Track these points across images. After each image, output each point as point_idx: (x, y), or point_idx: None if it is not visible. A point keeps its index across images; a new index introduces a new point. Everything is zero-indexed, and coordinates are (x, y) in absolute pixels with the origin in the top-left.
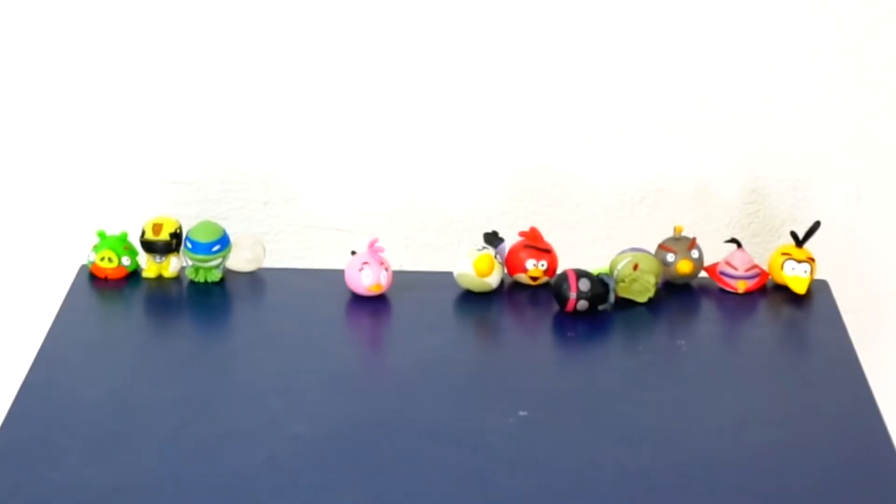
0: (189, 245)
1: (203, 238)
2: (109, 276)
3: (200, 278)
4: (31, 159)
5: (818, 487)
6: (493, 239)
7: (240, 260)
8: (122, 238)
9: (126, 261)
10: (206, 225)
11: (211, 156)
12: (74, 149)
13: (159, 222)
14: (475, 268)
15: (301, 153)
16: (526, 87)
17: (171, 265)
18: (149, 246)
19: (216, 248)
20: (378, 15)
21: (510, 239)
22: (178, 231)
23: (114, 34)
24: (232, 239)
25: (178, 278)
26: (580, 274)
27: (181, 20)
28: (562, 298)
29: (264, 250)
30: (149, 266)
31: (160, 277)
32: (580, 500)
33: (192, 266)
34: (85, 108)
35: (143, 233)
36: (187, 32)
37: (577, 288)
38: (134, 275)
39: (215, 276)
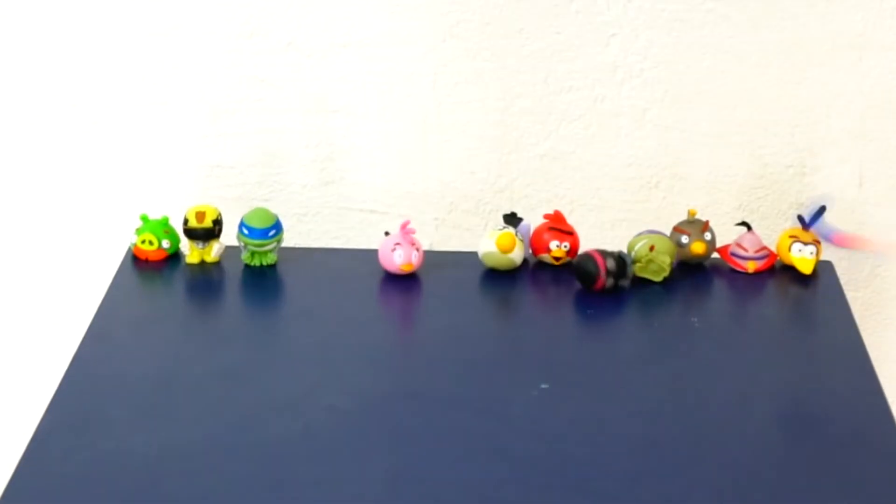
0: (246, 231)
1: (259, 224)
2: (150, 258)
3: (256, 262)
4: (86, 147)
5: (821, 455)
6: (512, 219)
7: None
8: (164, 222)
9: (166, 244)
10: (260, 211)
11: (252, 142)
12: (129, 137)
13: (201, 210)
14: (498, 245)
15: (337, 140)
16: (549, 79)
17: (214, 250)
18: (193, 233)
19: (272, 232)
20: (407, 3)
21: (535, 221)
22: (218, 218)
23: (160, 24)
24: None
25: (218, 262)
26: (605, 254)
27: (222, 9)
28: (590, 277)
29: None
30: (191, 252)
31: (202, 262)
32: (598, 467)
33: (248, 251)
34: (136, 102)
35: (187, 221)
36: (231, 20)
37: (606, 267)
38: (173, 257)
39: (271, 258)
